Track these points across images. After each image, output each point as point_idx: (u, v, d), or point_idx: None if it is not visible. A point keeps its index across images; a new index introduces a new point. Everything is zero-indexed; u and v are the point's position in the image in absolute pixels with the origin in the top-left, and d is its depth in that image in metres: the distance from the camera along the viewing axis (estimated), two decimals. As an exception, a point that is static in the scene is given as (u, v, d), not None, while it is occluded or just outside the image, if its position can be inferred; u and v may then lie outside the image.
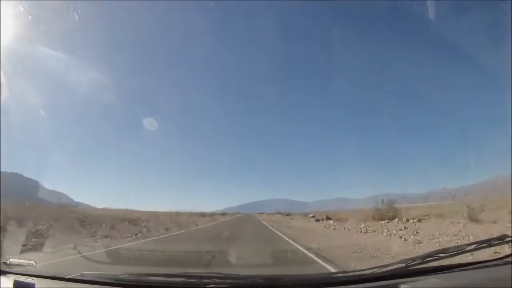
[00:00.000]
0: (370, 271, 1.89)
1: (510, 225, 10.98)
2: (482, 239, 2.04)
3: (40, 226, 13.70)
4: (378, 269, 1.88)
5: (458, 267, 1.86)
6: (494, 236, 2.11)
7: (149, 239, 13.06)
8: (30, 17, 7.15)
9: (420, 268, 1.87)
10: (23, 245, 8.14)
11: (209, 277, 1.87)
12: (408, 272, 1.83)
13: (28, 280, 1.93)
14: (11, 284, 1.86)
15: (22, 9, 6.36)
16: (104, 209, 38.44)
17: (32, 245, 9.25)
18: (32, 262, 2.36)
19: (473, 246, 1.99)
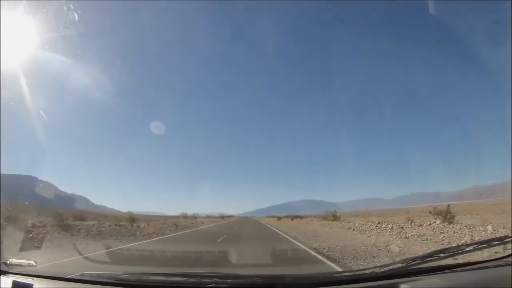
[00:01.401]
0: (370, 271, 1.89)
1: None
2: (482, 239, 2.04)
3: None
4: (378, 268, 1.88)
5: (458, 267, 1.85)
6: (494, 236, 2.11)
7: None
8: (32, 17, 7.11)
9: (420, 268, 1.87)
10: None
11: (209, 277, 1.87)
12: (408, 271, 1.83)
13: (28, 280, 1.93)
14: (10, 284, 1.86)
15: (22, 9, 6.33)
16: (129, 212, 40.24)
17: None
18: (32, 262, 2.36)
19: (473, 246, 1.99)
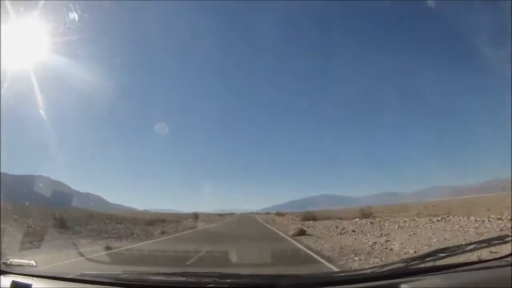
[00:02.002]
0: (370, 271, 1.89)
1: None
2: (482, 239, 2.04)
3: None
4: (379, 268, 1.88)
5: (458, 267, 1.85)
6: (494, 236, 2.11)
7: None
8: (34, 17, 7.13)
9: (420, 267, 1.87)
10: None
11: (209, 276, 1.87)
12: (408, 271, 1.83)
13: (27, 280, 1.93)
14: (9, 284, 1.86)
15: (22, 8, 6.34)
16: (145, 210, 41.36)
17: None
18: (32, 262, 2.36)
19: (473, 246, 1.99)
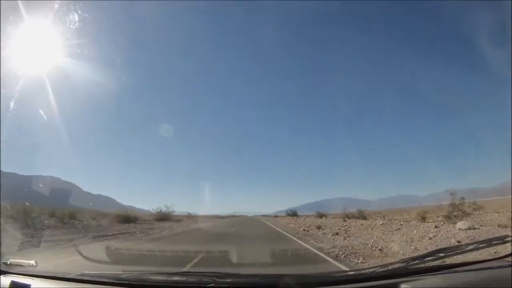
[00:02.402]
0: (370, 270, 1.90)
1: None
2: (482, 239, 2.03)
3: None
4: (379, 268, 1.88)
5: (458, 267, 1.85)
6: (494, 236, 2.11)
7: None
8: (39, 17, 7.11)
9: (420, 267, 1.87)
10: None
11: (209, 276, 1.87)
12: (408, 271, 1.83)
13: (26, 280, 1.92)
14: (8, 284, 1.86)
15: (23, 8, 6.32)
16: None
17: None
18: (32, 262, 2.36)
19: (473, 246, 1.99)
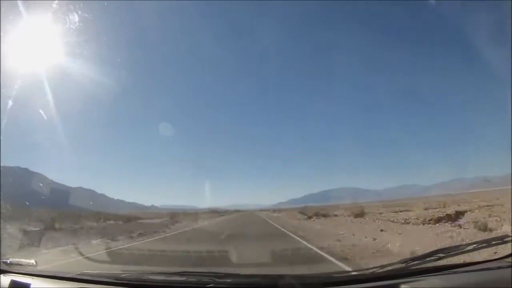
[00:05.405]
0: (370, 271, 1.89)
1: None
2: (482, 239, 2.03)
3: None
4: (378, 268, 1.88)
5: (458, 267, 1.85)
6: (494, 236, 2.10)
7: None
8: (39, 17, 7.11)
9: (420, 268, 1.87)
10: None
11: (209, 276, 1.87)
12: (408, 272, 1.83)
13: (26, 279, 1.92)
14: (8, 284, 1.86)
15: (22, 8, 6.32)
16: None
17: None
18: (32, 261, 2.36)
19: (473, 246, 1.99)
